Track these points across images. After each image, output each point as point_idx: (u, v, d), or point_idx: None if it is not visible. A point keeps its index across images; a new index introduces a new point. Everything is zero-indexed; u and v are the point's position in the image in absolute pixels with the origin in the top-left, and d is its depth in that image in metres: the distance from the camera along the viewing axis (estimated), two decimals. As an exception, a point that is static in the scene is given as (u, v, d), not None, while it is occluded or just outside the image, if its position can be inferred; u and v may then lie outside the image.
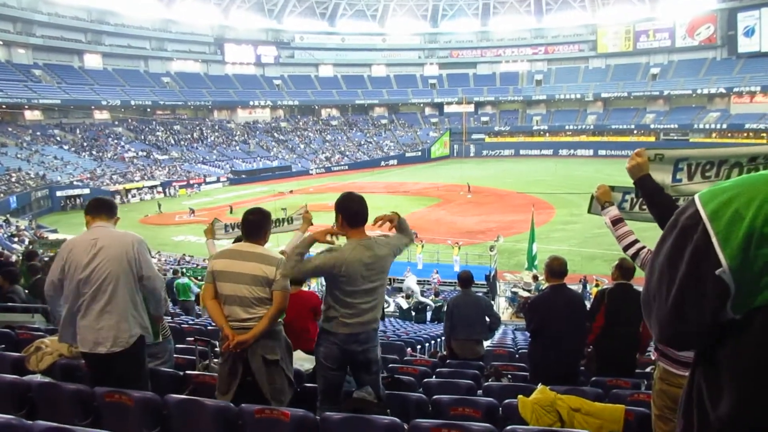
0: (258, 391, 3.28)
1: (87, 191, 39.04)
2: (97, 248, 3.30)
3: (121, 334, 3.33)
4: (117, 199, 40.60)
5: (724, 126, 56.86)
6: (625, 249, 2.83)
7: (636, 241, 2.80)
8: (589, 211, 3.30)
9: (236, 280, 3.24)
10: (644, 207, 3.08)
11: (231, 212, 31.51)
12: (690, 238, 0.92)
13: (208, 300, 3.35)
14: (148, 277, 3.45)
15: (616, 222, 2.88)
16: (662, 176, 2.51)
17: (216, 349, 4.56)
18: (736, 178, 0.95)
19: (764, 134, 52.50)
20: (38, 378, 3.64)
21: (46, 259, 10.03)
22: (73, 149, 47.73)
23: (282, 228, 4.84)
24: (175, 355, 4.70)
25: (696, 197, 0.94)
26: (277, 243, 9.39)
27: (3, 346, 4.80)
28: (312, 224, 4.64)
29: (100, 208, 3.53)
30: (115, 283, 3.31)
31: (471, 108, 71.88)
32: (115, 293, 3.31)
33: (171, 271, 15.32)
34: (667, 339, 1.02)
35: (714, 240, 0.89)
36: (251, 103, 66.77)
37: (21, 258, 10.68)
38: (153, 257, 20.18)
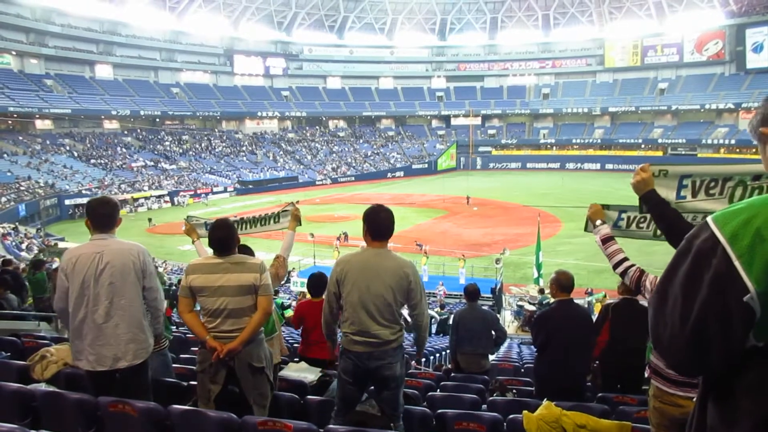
0: (240, 398, 3.31)
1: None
2: (104, 263, 3.25)
3: (141, 345, 3.34)
4: (125, 209, 40.86)
5: (733, 141, 56.65)
6: (615, 267, 2.86)
7: (625, 260, 2.83)
8: (585, 230, 3.33)
9: (221, 293, 3.23)
10: (641, 225, 3.11)
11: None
12: (708, 262, 0.86)
13: (186, 314, 3.33)
14: (150, 288, 3.41)
15: (606, 240, 2.91)
16: (666, 192, 2.51)
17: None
18: (748, 199, 0.93)
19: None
20: (43, 387, 3.64)
21: (54, 266, 10.08)
22: (82, 158, 48.12)
23: (269, 227, 4.63)
24: (179, 365, 4.70)
25: (709, 220, 0.90)
26: (270, 248, 9.37)
27: (9, 354, 4.81)
28: (300, 223, 4.45)
29: (99, 220, 3.40)
30: (128, 296, 3.29)
31: (478, 121, 72.08)
32: (129, 307, 3.30)
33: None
34: (685, 369, 0.97)
35: (737, 264, 0.83)
36: (259, 113, 67.21)
37: (28, 267, 10.72)
38: (159, 266, 20.21)
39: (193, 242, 4.70)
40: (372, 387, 3.49)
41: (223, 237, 3.34)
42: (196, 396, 3.44)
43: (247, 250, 3.98)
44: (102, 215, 3.39)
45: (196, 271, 3.31)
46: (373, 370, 3.25)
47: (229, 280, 3.23)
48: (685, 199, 2.54)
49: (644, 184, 2.46)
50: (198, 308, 3.41)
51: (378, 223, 3.27)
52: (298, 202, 4.94)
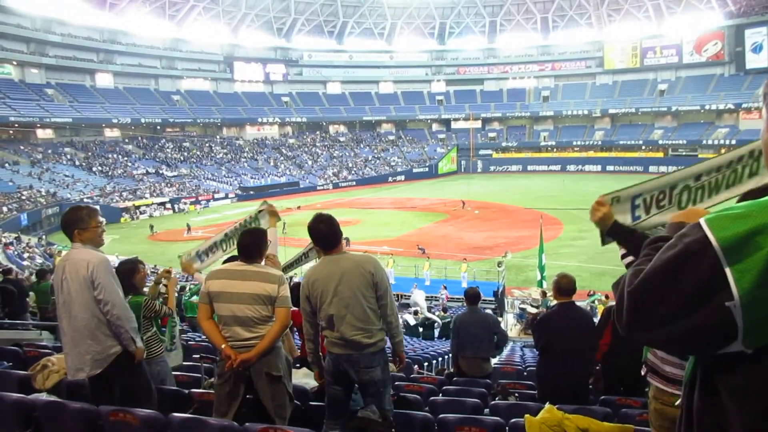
0: (260, 409, 3.28)
1: (97, 208, 39.28)
2: (66, 272, 3.31)
3: (96, 355, 3.33)
4: (126, 216, 40.97)
5: (733, 141, 56.52)
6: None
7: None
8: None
9: (236, 300, 3.22)
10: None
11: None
12: (695, 261, 0.83)
13: (204, 321, 3.34)
14: (101, 300, 3.33)
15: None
16: (622, 218, 2.48)
17: (211, 366, 4.52)
18: (746, 203, 0.87)
19: None
20: (44, 396, 3.64)
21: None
22: (83, 167, 48.23)
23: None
24: (180, 373, 4.69)
25: (702, 221, 0.86)
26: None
27: (10, 363, 4.81)
28: (279, 218, 4.55)
29: (65, 230, 3.48)
30: (79, 307, 3.29)
31: (478, 124, 72.13)
32: (80, 318, 3.30)
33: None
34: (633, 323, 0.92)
35: (728, 271, 0.80)
36: (260, 120, 67.34)
37: (35, 276, 10.75)
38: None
39: (194, 276, 5.10)
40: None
41: (249, 244, 3.35)
42: (197, 404, 3.44)
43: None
44: (62, 228, 3.52)
45: (216, 276, 3.33)
46: (349, 373, 3.28)
47: (246, 287, 3.21)
48: (640, 219, 2.52)
49: (608, 217, 2.36)
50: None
51: (320, 234, 3.29)
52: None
